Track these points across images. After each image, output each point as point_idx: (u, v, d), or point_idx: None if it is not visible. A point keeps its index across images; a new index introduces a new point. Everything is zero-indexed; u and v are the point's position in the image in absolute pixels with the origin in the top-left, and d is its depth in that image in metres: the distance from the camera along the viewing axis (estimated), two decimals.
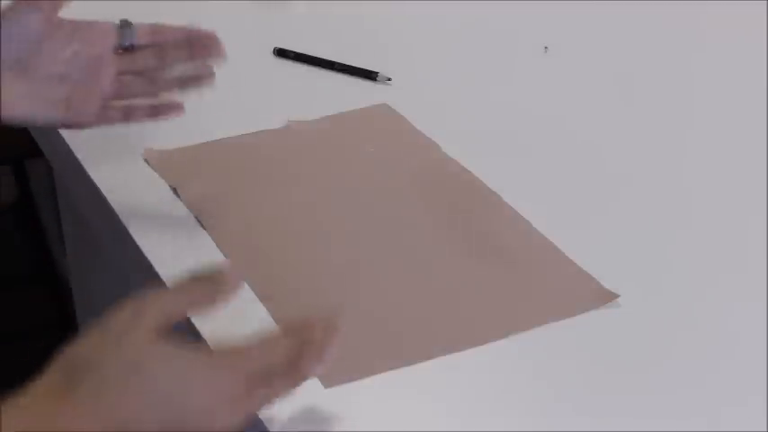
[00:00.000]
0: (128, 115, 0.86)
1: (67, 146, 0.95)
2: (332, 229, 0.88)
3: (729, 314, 0.80)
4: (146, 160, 0.93)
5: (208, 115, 0.97)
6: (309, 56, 1.10)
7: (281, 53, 1.11)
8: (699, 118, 1.05)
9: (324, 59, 1.09)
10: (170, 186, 0.90)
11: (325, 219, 0.89)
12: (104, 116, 0.85)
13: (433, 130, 0.99)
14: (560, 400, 0.73)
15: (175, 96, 0.86)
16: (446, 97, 1.06)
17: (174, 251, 0.83)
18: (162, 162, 0.92)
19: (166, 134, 0.94)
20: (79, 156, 0.93)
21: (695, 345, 0.77)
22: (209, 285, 0.64)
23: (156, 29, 0.85)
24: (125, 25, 0.85)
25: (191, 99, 0.86)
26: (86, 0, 1.14)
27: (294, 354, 0.63)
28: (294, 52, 1.11)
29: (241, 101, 1.03)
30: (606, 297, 0.80)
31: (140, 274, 0.84)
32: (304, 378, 0.64)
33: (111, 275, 1.13)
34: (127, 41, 0.84)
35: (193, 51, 0.84)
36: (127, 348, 0.60)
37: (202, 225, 0.86)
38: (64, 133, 0.95)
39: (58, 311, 1.81)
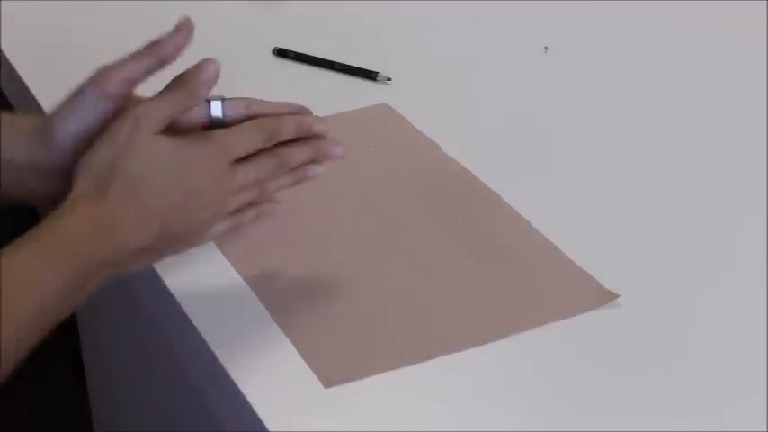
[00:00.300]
0: None
1: None
2: (332, 228, 0.88)
3: (729, 314, 0.80)
4: None
5: None
6: (309, 56, 1.10)
7: (281, 53, 1.11)
8: (699, 118, 1.05)
9: (324, 59, 1.09)
10: None
11: (325, 218, 0.89)
12: None
13: (433, 130, 0.99)
14: (560, 400, 0.73)
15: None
16: (446, 97, 1.06)
17: None
18: None
19: None
20: None
21: (695, 345, 0.77)
22: (186, 84, 0.72)
23: (248, 104, 0.77)
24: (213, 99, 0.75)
25: None
26: (87, 0, 1.14)
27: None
28: (294, 52, 1.11)
29: None
30: (606, 297, 0.80)
31: (140, 272, 0.84)
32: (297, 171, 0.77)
33: None
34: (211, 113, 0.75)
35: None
36: (137, 150, 0.69)
37: None
38: None
39: None
